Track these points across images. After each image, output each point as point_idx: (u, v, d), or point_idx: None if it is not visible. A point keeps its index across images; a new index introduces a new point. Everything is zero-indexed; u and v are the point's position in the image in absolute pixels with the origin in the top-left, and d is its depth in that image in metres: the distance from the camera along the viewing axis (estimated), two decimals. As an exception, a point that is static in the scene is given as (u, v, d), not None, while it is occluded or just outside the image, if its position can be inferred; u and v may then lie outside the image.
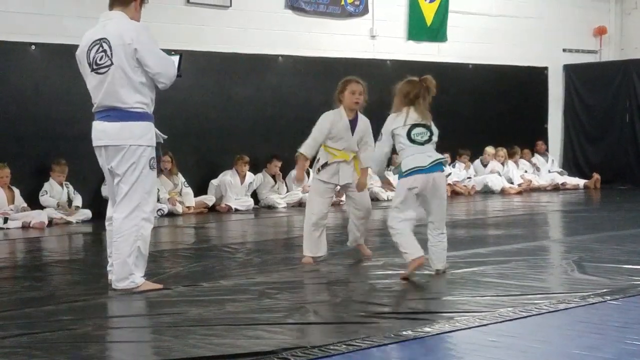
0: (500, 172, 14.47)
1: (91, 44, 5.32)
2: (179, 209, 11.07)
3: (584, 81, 15.89)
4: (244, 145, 12.07)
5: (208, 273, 6.13)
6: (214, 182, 11.69)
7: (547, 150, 15.74)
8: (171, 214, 10.93)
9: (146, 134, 5.32)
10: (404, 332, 4.10)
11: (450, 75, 14.46)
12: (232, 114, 12.14)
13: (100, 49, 5.26)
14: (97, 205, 10.65)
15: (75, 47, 5.50)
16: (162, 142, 5.52)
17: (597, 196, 13.55)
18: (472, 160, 14.56)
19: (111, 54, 5.22)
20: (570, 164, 15.91)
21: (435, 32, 14.41)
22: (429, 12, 14.30)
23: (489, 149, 14.61)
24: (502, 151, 14.72)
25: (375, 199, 12.79)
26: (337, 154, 6.52)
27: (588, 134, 15.91)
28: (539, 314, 4.51)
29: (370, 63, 13.00)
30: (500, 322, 4.33)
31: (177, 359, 3.67)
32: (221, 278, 5.87)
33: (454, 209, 11.70)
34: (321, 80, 12.12)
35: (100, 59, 5.26)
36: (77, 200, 10.47)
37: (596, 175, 14.72)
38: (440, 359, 3.87)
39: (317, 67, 12.69)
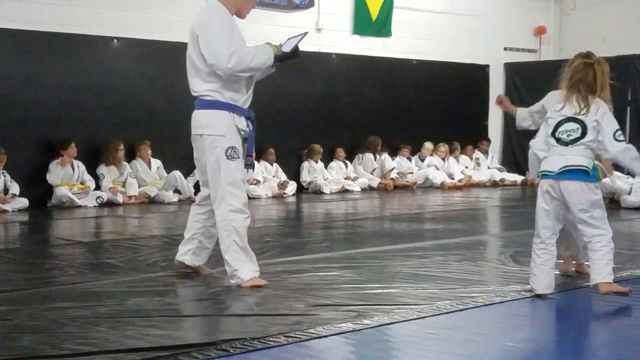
0: (439, 167, 14.66)
1: None
2: (120, 198, 10.97)
3: (523, 79, 16.18)
4: (187, 137, 11.98)
5: (148, 264, 6.07)
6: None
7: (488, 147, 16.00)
8: (111, 204, 10.82)
9: (214, 123, 5.07)
10: (344, 325, 4.13)
11: (394, 71, 14.60)
12: (174, 104, 12.02)
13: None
14: (34, 193, 10.51)
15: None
16: (244, 134, 5.14)
17: (535, 193, 13.77)
18: (412, 154, 14.74)
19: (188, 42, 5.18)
20: (509, 161, 16.19)
21: (380, 27, 14.51)
22: (374, 7, 14.38)
23: (428, 144, 14.80)
24: (444, 147, 14.91)
25: (319, 191, 12.83)
26: None
27: (527, 131, 16.11)
28: (476, 307, 4.58)
29: (315, 56, 13.01)
30: (438, 314, 4.39)
31: (113, 350, 3.63)
32: (162, 269, 5.82)
33: (396, 203, 11.80)
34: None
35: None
36: (14, 189, 10.29)
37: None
38: (379, 350, 3.91)
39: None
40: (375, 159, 14.07)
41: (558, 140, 4.86)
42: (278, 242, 7.14)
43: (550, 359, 3.55)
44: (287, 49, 5.20)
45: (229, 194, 5.07)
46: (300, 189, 13.09)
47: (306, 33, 5.36)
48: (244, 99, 5.17)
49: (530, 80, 16.05)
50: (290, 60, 5.29)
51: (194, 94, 5.19)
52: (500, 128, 16.53)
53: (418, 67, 14.98)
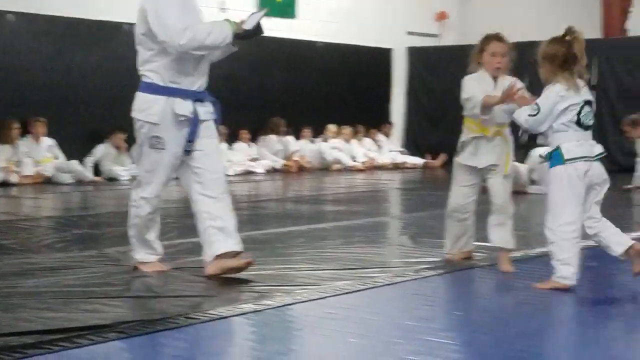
0: (342, 149, 14.78)
1: None
2: (14, 178, 10.64)
3: (425, 64, 16.45)
4: (87, 117, 11.71)
5: (43, 245, 5.91)
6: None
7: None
8: (6, 184, 10.49)
9: (145, 108, 4.76)
10: (245, 305, 4.12)
11: (299, 53, 14.60)
12: (73, 83, 11.71)
13: None
14: None
15: None
16: (184, 119, 4.79)
17: (434, 175, 14.08)
18: (315, 136, 14.79)
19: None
20: (411, 144, 16.46)
21: (285, 8, 14.47)
22: (279, -12, 14.33)
23: (331, 127, 14.89)
24: (347, 129, 15.03)
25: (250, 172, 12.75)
26: (475, 128, 5.33)
27: (428, 115, 16.50)
28: (376, 287, 4.64)
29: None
30: (339, 294, 4.43)
31: (6, 334, 3.52)
32: (57, 250, 5.68)
33: (298, 185, 11.84)
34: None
35: None
36: None
37: (442, 155, 15.28)
38: (281, 331, 3.92)
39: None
40: (278, 140, 14.08)
41: (581, 124, 4.63)
42: (179, 223, 7.05)
43: (447, 337, 3.63)
44: (248, 26, 4.85)
45: (145, 181, 4.90)
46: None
47: (268, 9, 5.18)
48: (189, 80, 4.82)
49: (432, 65, 16.35)
50: (252, 38, 4.93)
51: (139, 72, 4.87)
52: (402, 111, 16.78)
53: (323, 49, 15.02)
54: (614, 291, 4.89)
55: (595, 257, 5.29)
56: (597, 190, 4.65)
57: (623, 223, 6.31)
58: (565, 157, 4.57)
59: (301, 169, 13.87)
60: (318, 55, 14.94)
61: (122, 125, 11.76)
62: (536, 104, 4.65)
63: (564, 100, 4.61)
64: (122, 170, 11.76)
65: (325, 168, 14.33)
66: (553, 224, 4.57)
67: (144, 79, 4.81)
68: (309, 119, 14.58)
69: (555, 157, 4.61)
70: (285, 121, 13.98)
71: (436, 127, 16.16)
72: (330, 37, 15.05)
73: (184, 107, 4.78)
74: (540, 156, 4.86)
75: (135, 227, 4.96)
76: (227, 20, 4.90)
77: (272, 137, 13.98)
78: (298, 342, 3.71)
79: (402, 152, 15.89)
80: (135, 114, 4.84)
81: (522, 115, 4.71)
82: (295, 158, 14.07)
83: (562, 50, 4.64)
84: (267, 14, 4.98)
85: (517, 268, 5.13)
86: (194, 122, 4.80)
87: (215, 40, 4.74)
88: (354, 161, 14.69)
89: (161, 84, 4.76)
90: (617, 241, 4.65)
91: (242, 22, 4.86)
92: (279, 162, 13.87)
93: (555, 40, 4.70)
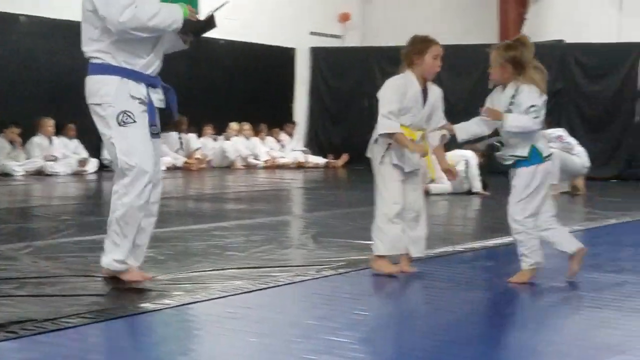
0: (244, 147, 14.74)
1: None
2: None
3: (328, 64, 16.58)
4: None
5: None
6: None
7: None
8: None
9: (98, 89, 4.39)
10: (143, 304, 4.05)
11: (201, 50, 14.41)
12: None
13: None
14: None
15: None
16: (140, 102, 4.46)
17: (336, 175, 14.20)
18: (217, 134, 14.70)
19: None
20: (314, 144, 16.55)
21: (186, 3, 14.29)
22: (181, -16, 14.17)
23: (234, 125, 14.83)
24: (247, 126, 14.98)
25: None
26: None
27: (331, 115, 16.65)
28: (277, 286, 4.64)
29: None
30: (239, 294, 4.40)
31: None
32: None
33: (200, 182, 11.74)
34: (70, 44, 11.59)
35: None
36: None
37: (344, 155, 15.41)
38: (179, 330, 3.88)
39: (65, 30, 12.10)
40: (180, 137, 13.92)
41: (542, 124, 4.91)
42: (76, 221, 6.89)
43: (346, 336, 3.65)
44: (202, 16, 4.56)
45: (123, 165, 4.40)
46: (103, 167, 12.70)
47: (227, 2, 4.69)
48: (143, 62, 4.46)
49: (335, 65, 16.49)
50: (205, 32, 4.67)
51: (84, 55, 4.48)
52: (305, 111, 16.85)
53: (226, 47, 14.93)
54: (512, 291, 5.03)
55: (490, 257, 5.44)
56: (548, 186, 4.95)
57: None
58: (544, 154, 4.83)
59: (204, 168, 13.76)
60: (221, 52, 14.85)
61: (16, 120, 11.43)
62: (535, 105, 4.77)
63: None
64: (17, 165, 11.40)
65: (227, 166, 14.26)
66: (520, 216, 4.81)
67: (93, 61, 4.44)
68: (211, 116, 14.47)
69: (534, 156, 4.81)
70: (187, 118, 13.83)
71: (339, 127, 16.32)
72: (233, 35, 14.96)
73: (139, 90, 4.46)
74: (496, 148, 4.99)
75: (123, 224, 4.44)
76: (181, 4, 4.54)
77: (173, 134, 13.81)
78: (197, 341, 3.67)
79: (304, 152, 15.95)
80: (90, 99, 4.45)
81: (524, 121, 4.77)
82: (197, 156, 13.94)
83: (518, 54, 4.80)
84: (223, 5, 4.66)
85: (419, 268, 5.20)
86: (150, 107, 4.50)
87: (161, 22, 4.39)
88: (257, 160, 14.67)
89: (114, 63, 4.41)
90: (569, 240, 4.97)
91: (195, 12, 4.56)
92: (179, 160, 13.71)
93: (513, 46, 4.85)
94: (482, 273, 5.02)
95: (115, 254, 4.50)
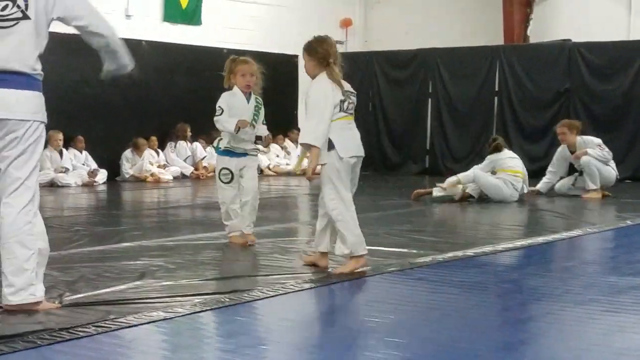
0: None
1: None
2: None
3: (331, 70, 16.62)
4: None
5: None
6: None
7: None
8: None
9: (43, 109, 4.17)
10: (155, 313, 4.09)
11: (205, 59, 14.54)
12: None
13: None
14: None
15: None
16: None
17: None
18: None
19: (26, 4, 4.11)
20: (319, 150, 16.56)
21: (191, 15, 14.41)
22: (184, -5, 14.27)
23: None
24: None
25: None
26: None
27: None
28: (286, 293, 4.66)
29: (125, 43, 12.68)
30: (249, 301, 4.42)
31: None
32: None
33: (208, 191, 11.80)
34: (70, 58, 11.67)
35: (3, 9, 4.05)
36: None
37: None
38: (191, 339, 3.90)
39: (73, 44, 12.14)
40: (187, 146, 14.04)
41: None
42: (88, 231, 6.96)
43: (356, 345, 3.67)
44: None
45: (37, 193, 4.17)
46: (111, 177, 12.84)
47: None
48: None
49: (338, 71, 16.54)
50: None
51: (27, 70, 4.13)
52: (309, 118, 16.89)
53: (229, 56, 14.95)
54: (525, 296, 5.06)
55: (502, 261, 5.43)
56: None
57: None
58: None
59: (210, 176, 13.85)
60: (224, 61, 14.85)
61: None
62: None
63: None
64: None
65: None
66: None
67: (34, 75, 4.18)
68: (211, 124, 14.50)
69: None
70: (189, 126, 13.95)
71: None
72: (235, 44, 15.04)
73: None
74: None
75: (36, 255, 4.11)
76: None
77: (182, 143, 13.92)
78: (208, 350, 3.71)
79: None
80: (30, 115, 4.11)
81: None
82: (204, 164, 14.03)
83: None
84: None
85: (428, 274, 5.22)
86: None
87: None
88: (262, 167, 14.73)
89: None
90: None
91: None
92: (188, 169, 13.81)
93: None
94: (493, 278, 5.01)
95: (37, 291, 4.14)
